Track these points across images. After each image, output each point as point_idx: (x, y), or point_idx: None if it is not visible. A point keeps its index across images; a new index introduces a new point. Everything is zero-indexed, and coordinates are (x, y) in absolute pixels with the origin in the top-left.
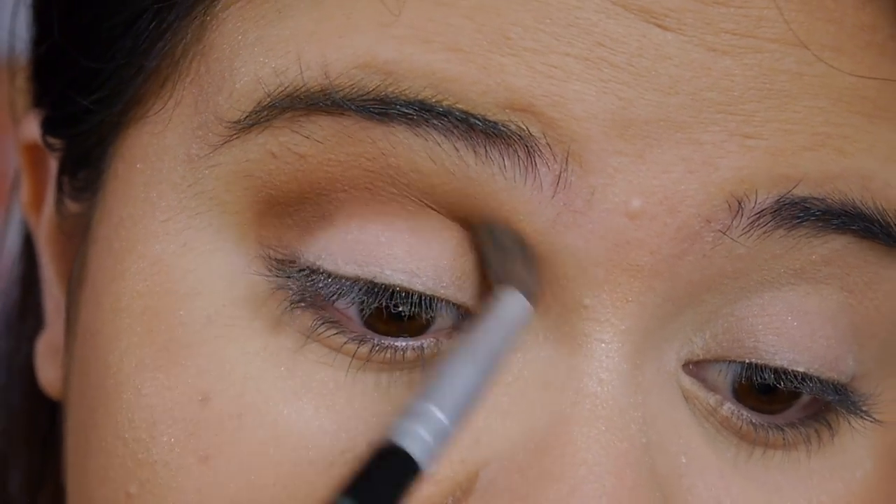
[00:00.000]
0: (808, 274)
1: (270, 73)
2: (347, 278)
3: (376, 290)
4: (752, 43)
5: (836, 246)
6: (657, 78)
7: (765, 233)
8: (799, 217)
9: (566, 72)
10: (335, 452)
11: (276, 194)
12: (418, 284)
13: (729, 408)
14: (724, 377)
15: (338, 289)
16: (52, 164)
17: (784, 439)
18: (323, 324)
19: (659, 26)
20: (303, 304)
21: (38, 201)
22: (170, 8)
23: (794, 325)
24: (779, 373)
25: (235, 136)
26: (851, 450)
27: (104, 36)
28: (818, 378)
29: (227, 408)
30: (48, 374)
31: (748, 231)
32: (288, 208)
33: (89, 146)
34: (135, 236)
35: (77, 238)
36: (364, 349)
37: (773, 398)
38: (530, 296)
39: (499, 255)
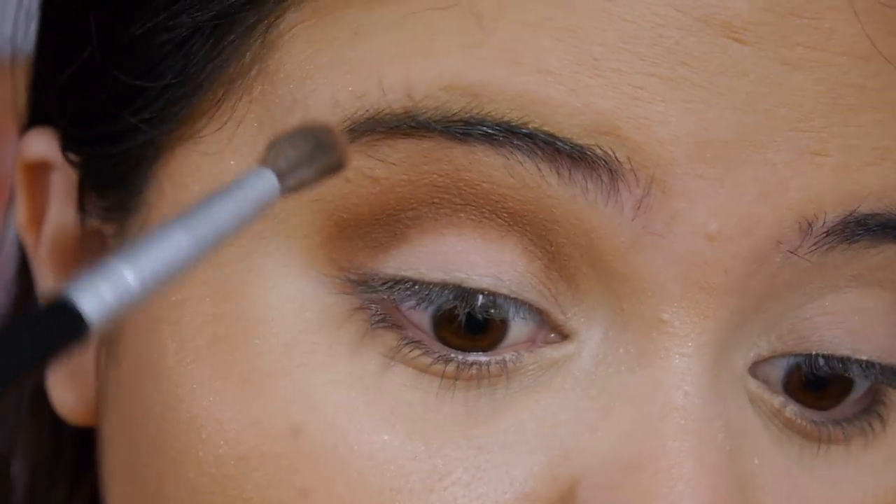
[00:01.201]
0: (864, 278)
1: (350, 97)
2: (435, 284)
3: (465, 294)
4: (822, 56)
5: (890, 254)
6: (735, 95)
7: (828, 248)
8: (860, 233)
9: (651, 93)
10: (434, 479)
11: (347, 217)
12: (503, 288)
13: (793, 409)
14: (776, 373)
15: (426, 295)
16: (57, 181)
17: (844, 434)
18: (407, 344)
19: (737, 41)
20: (384, 325)
21: (36, 221)
22: (228, 26)
23: (855, 319)
24: (844, 361)
25: None
26: (891, 444)
27: (152, 54)
28: (880, 364)
29: (320, 439)
30: (66, 399)
31: (813, 249)
32: (358, 230)
33: (126, 166)
34: None
35: (98, 254)
36: (451, 368)
37: (823, 394)
38: (285, 174)
39: (285, 146)
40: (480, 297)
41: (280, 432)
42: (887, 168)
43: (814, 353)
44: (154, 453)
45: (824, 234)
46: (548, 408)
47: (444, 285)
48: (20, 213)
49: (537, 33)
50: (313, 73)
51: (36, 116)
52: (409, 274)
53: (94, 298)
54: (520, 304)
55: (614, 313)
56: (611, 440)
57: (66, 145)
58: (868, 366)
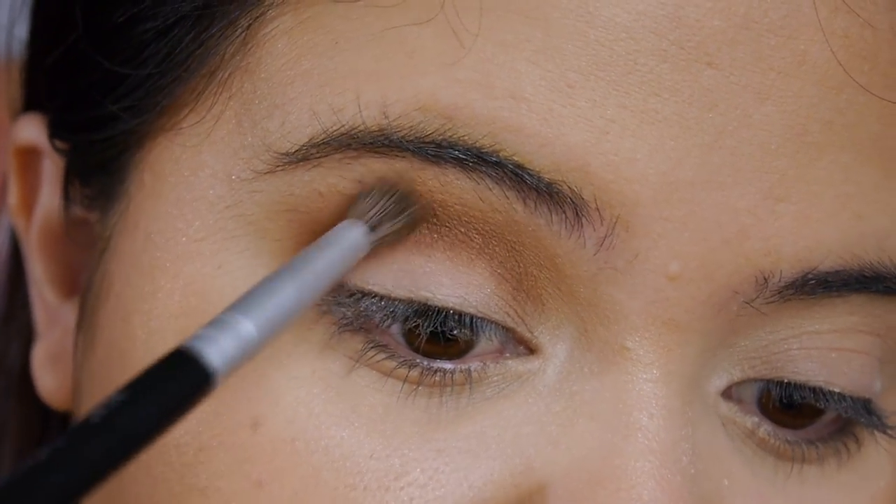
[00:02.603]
0: (838, 323)
1: (327, 110)
2: (400, 300)
3: (429, 311)
4: (793, 84)
5: (858, 301)
6: (704, 130)
7: (786, 300)
8: (819, 290)
9: (622, 126)
10: (390, 478)
11: (319, 229)
12: (469, 308)
13: (766, 429)
14: (750, 392)
15: (391, 311)
16: (47, 168)
17: (818, 454)
18: (372, 347)
19: (711, 66)
20: (351, 328)
21: (27, 205)
22: (210, 18)
23: (832, 356)
24: (817, 392)
25: (281, 168)
26: (874, 459)
27: (135, 41)
28: (851, 398)
29: (278, 433)
30: (48, 383)
31: (770, 301)
32: None
33: (109, 153)
34: (166, 254)
35: (84, 245)
36: (414, 373)
37: (797, 413)
38: (377, 227)
39: (374, 199)
40: (446, 314)
41: (240, 424)
42: (847, 220)
43: (786, 380)
44: None
45: (781, 289)
46: (510, 419)
47: (409, 302)
48: (12, 197)
49: (514, 55)
50: (293, 80)
51: (29, 101)
52: (376, 289)
53: (216, 349)
54: (486, 322)
55: (579, 333)
56: (573, 454)
57: (54, 132)
58: (840, 398)
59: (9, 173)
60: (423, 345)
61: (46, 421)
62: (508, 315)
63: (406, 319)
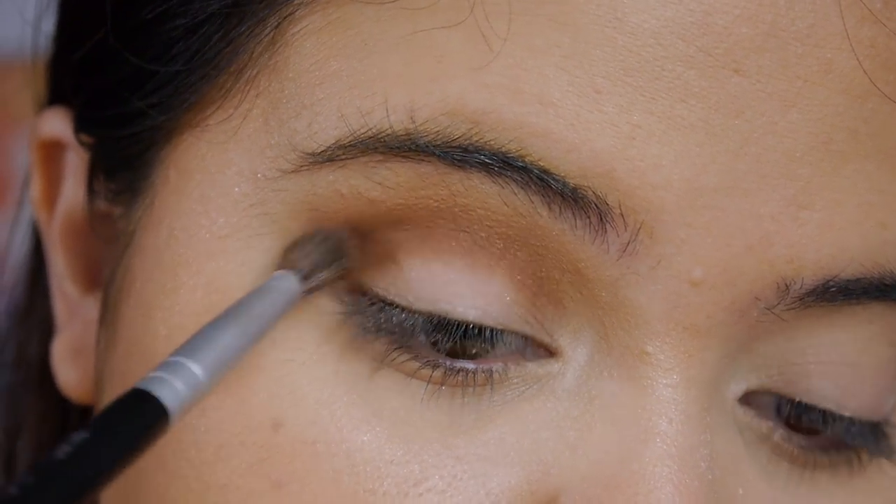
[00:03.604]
0: (858, 332)
1: (355, 112)
2: (421, 313)
3: (449, 325)
4: (819, 92)
5: (876, 310)
6: (729, 137)
7: (807, 307)
8: (840, 298)
9: (648, 132)
10: (409, 484)
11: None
12: (489, 320)
13: (781, 434)
14: (768, 400)
15: (411, 325)
16: (71, 161)
17: (830, 460)
18: (396, 349)
19: (738, 73)
20: (375, 330)
21: (49, 198)
22: (239, 16)
23: (846, 372)
24: (826, 415)
25: (306, 168)
26: (887, 471)
27: (164, 38)
28: (860, 422)
29: (300, 434)
30: (69, 376)
31: (791, 308)
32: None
33: (134, 149)
34: (189, 251)
35: (107, 239)
36: (437, 374)
37: (809, 428)
38: (307, 276)
39: (306, 250)
40: (466, 328)
41: (261, 424)
42: (870, 228)
43: (797, 400)
44: None
45: (802, 296)
46: (529, 423)
47: (429, 315)
48: (35, 190)
49: (542, 61)
50: (322, 80)
51: (53, 95)
52: (397, 300)
53: (171, 391)
54: (505, 333)
55: (600, 338)
56: (591, 458)
57: (79, 126)
58: (849, 423)
59: (32, 166)
60: (447, 348)
61: (65, 414)
62: (528, 322)
63: (427, 333)
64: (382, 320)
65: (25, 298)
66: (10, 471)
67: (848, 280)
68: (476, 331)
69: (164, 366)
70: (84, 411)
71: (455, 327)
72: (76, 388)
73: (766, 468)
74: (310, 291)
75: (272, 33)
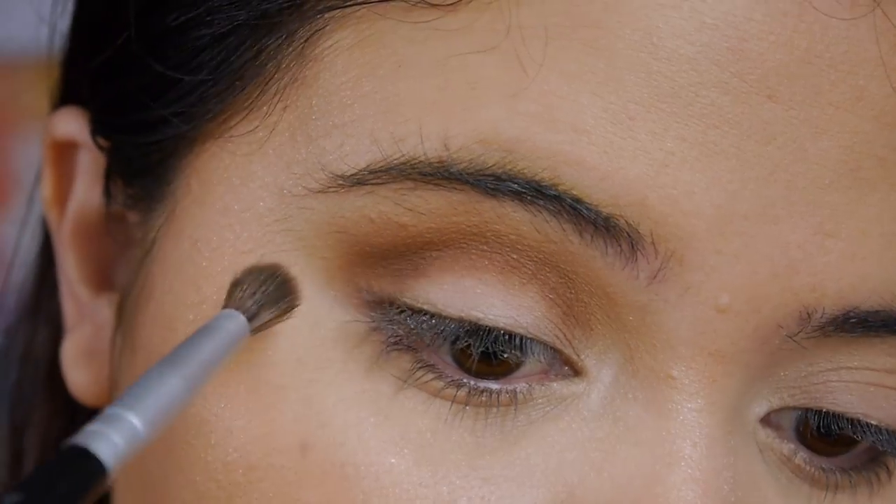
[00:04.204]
0: (877, 363)
1: (388, 138)
2: (451, 319)
3: (480, 331)
4: (850, 120)
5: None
6: (760, 164)
7: (827, 336)
8: (859, 330)
9: (680, 159)
10: None
11: (369, 251)
12: (520, 328)
13: (802, 456)
14: (788, 420)
15: (441, 330)
16: (83, 161)
17: (850, 482)
18: (421, 367)
19: (771, 99)
20: (399, 347)
21: (60, 198)
22: (267, 28)
23: (870, 389)
24: (854, 423)
25: (334, 189)
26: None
27: (189, 46)
28: (888, 431)
29: (328, 457)
30: (79, 378)
31: (812, 336)
32: (381, 260)
33: (155, 157)
34: (212, 264)
35: (121, 243)
36: (462, 393)
37: (836, 441)
38: (253, 317)
39: (251, 289)
40: (497, 334)
41: (288, 447)
42: (891, 259)
43: (825, 410)
44: (162, 451)
45: (822, 325)
46: (555, 444)
47: (460, 321)
48: (45, 189)
49: (577, 87)
50: (354, 101)
51: (66, 96)
52: (426, 307)
53: (107, 445)
54: (535, 343)
55: (625, 360)
56: (616, 481)
57: (96, 129)
58: (877, 430)
59: (43, 165)
60: (474, 364)
61: (73, 413)
62: (557, 337)
63: (456, 339)
64: (412, 327)
65: (33, 296)
66: (16, 469)
67: (868, 312)
68: (507, 337)
69: (103, 418)
70: (93, 411)
71: (486, 332)
72: (87, 391)
73: (786, 489)
74: (257, 331)
75: (301, 47)
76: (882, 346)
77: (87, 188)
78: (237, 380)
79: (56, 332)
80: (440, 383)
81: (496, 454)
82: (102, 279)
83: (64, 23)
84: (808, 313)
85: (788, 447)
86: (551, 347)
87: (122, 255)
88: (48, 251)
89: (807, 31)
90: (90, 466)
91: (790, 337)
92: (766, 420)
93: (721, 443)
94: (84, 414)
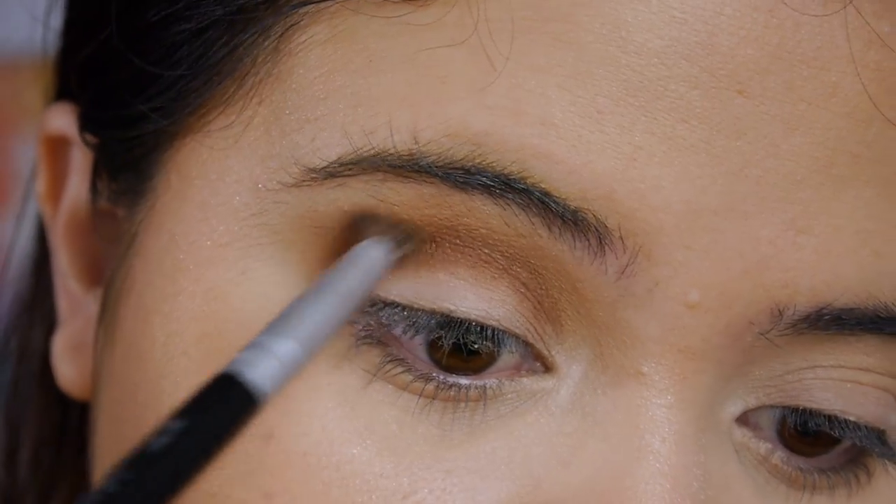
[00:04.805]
0: (854, 361)
1: (359, 131)
2: (423, 311)
3: (452, 323)
4: (823, 116)
5: (872, 342)
6: (730, 158)
7: (800, 334)
8: (833, 328)
9: (649, 153)
10: (398, 497)
11: (340, 245)
12: (492, 321)
13: (780, 455)
14: (768, 419)
15: (413, 322)
16: (76, 157)
17: (829, 483)
18: (390, 360)
19: (741, 94)
20: (369, 341)
21: (54, 193)
22: (243, 23)
23: (847, 386)
24: (830, 419)
25: (307, 183)
26: (885, 492)
27: (169, 41)
28: (867, 427)
29: (291, 446)
30: (68, 371)
31: (785, 334)
32: None
33: (137, 151)
34: (189, 257)
35: (110, 238)
36: (430, 387)
37: (815, 440)
38: (398, 245)
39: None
40: (469, 325)
41: (254, 433)
42: (865, 256)
43: (802, 407)
44: (134, 439)
45: (795, 322)
46: (521, 439)
47: (432, 312)
48: (40, 185)
49: (545, 81)
50: (326, 96)
51: (61, 91)
52: (398, 299)
53: (261, 371)
54: (508, 335)
55: (595, 356)
56: (583, 475)
57: (84, 125)
58: (855, 427)
59: (38, 161)
60: (445, 357)
61: (65, 408)
62: (529, 332)
63: (429, 331)
64: (383, 320)
65: (29, 292)
66: (12, 465)
67: (841, 309)
68: (479, 328)
69: (256, 345)
70: (84, 406)
71: (458, 324)
72: (74, 384)
73: (763, 489)
74: (401, 259)
75: (276, 42)
76: (857, 345)
77: (79, 184)
78: (208, 370)
79: (51, 330)
80: (409, 377)
81: (462, 447)
82: (94, 275)
83: (59, 21)
84: (780, 310)
85: (765, 446)
86: (524, 341)
87: (110, 251)
88: (43, 248)
89: (778, 26)
90: (248, 396)
91: (763, 334)
92: (744, 419)
93: (692, 440)
94: (76, 409)
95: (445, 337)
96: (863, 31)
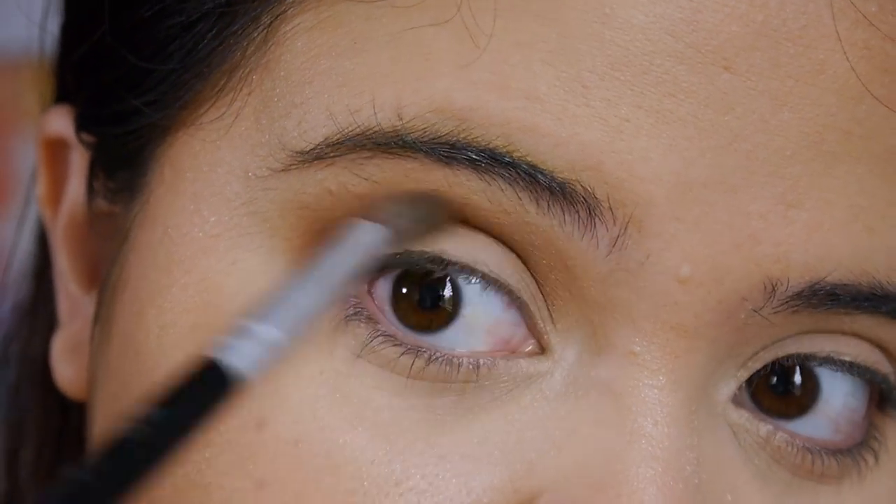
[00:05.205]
0: (850, 346)
1: (344, 111)
2: (413, 252)
3: (444, 262)
4: (811, 92)
5: (866, 322)
6: (718, 133)
7: (794, 311)
8: (828, 304)
9: (636, 126)
10: (390, 484)
11: (328, 226)
12: (481, 266)
13: (782, 437)
14: (763, 388)
15: (405, 261)
16: (75, 160)
17: (838, 467)
18: (378, 336)
19: (728, 70)
20: (357, 318)
21: (54, 196)
22: (232, 14)
23: (837, 348)
24: (825, 360)
25: (295, 167)
26: (884, 481)
27: (161, 36)
28: (863, 366)
29: (283, 433)
30: (66, 372)
31: (778, 310)
32: None
33: (132, 147)
34: (182, 249)
35: (107, 238)
36: (420, 363)
37: (788, 399)
38: (398, 232)
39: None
40: (459, 268)
41: (245, 423)
42: (858, 232)
43: (794, 353)
44: None
45: (788, 298)
46: (514, 423)
47: (421, 253)
48: (40, 188)
49: (529, 56)
50: (312, 79)
51: (59, 94)
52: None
53: (244, 356)
54: (500, 285)
55: (588, 337)
56: (575, 459)
57: (80, 125)
58: (850, 366)
59: (38, 164)
60: (412, 313)
61: (66, 411)
62: (522, 288)
63: (419, 267)
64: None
65: (30, 295)
66: (13, 468)
67: (835, 285)
68: (468, 271)
69: (238, 330)
70: (82, 408)
71: (447, 264)
72: (72, 385)
73: (763, 474)
74: (398, 244)
75: (265, 32)
76: (852, 326)
77: (78, 186)
78: None
79: (52, 333)
80: (398, 350)
81: (454, 433)
82: (93, 277)
83: (56, 25)
84: (772, 285)
85: (766, 428)
86: (518, 298)
87: (108, 252)
88: (44, 251)
89: (763, 4)
90: (229, 382)
91: (756, 311)
92: (739, 401)
93: (684, 422)
94: (77, 412)
95: (437, 268)
96: (849, 10)
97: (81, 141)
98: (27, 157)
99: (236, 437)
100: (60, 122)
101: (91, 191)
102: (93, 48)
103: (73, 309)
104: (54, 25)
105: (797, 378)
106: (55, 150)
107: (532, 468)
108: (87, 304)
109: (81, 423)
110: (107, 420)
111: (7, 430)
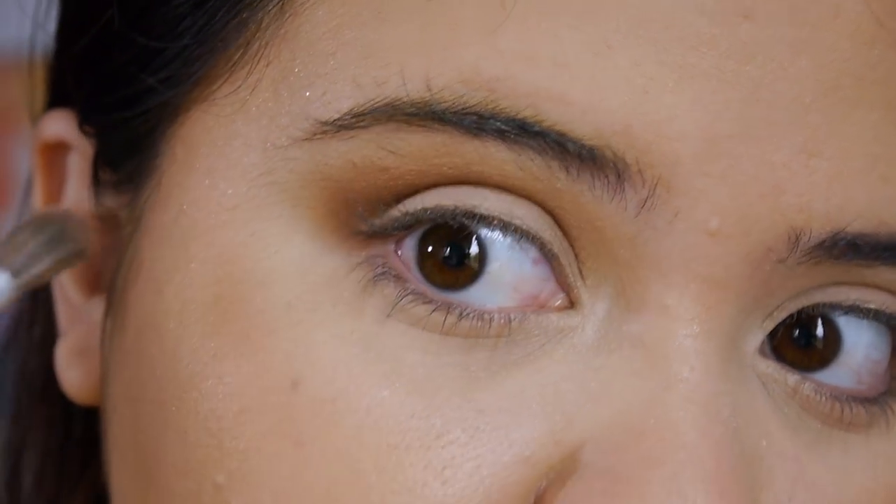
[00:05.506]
0: (875, 298)
1: (371, 82)
2: (446, 206)
3: (477, 216)
4: (827, 38)
5: (887, 276)
6: (741, 83)
7: (817, 263)
8: (849, 254)
9: (661, 84)
10: (431, 437)
11: (352, 197)
12: (517, 220)
13: (810, 386)
14: (787, 339)
15: (438, 215)
16: (74, 162)
17: (867, 414)
18: (408, 294)
19: (748, 18)
20: (385, 278)
21: (53, 202)
22: None
23: (862, 297)
24: (849, 309)
25: (319, 137)
26: None
27: (171, 15)
28: (889, 313)
29: (318, 393)
30: (73, 378)
31: (802, 261)
32: (366, 203)
33: (141, 129)
34: (199, 224)
35: (110, 237)
36: (451, 318)
37: (810, 352)
38: (20, 271)
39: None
40: (492, 222)
41: (279, 384)
42: (874, 181)
43: (818, 302)
44: (154, 413)
45: (811, 249)
46: (550, 376)
47: (455, 208)
48: (37, 194)
49: (555, 21)
50: (336, 50)
51: (54, 100)
52: (420, 212)
53: None
54: (533, 238)
55: (618, 294)
56: (614, 409)
57: (84, 118)
58: (876, 314)
59: (34, 171)
60: (438, 273)
61: (69, 423)
62: (553, 244)
63: (451, 222)
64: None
65: (28, 306)
66: (15, 484)
67: (856, 235)
68: (502, 225)
69: None
70: (87, 416)
71: (480, 218)
72: (80, 389)
73: (794, 424)
74: (27, 287)
75: (280, 2)
76: (873, 279)
77: (77, 190)
78: (226, 330)
79: (51, 344)
80: (429, 308)
81: (490, 388)
82: (94, 283)
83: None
84: (796, 235)
85: (794, 378)
86: (549, 251)
87: (111, 254)
88: None
89: None
90: None
91: (781, 262)
92: (764, 352)
93: (719, 368)
94: (80, 423)
95: (471, 223)
96: None
97: (85, 133)
98: (26, 157)
99: (270, 401)
100: (58, 125)
101: (97, 184)
102: (98, 35)
103: (74, 316)
104: (52, 26)
105: (819, 331)
106: (52, 155)
107: (571, 420)
108: (90, 310)
109: (84, 436)
110: (128, 407)
111: (8, 449)
